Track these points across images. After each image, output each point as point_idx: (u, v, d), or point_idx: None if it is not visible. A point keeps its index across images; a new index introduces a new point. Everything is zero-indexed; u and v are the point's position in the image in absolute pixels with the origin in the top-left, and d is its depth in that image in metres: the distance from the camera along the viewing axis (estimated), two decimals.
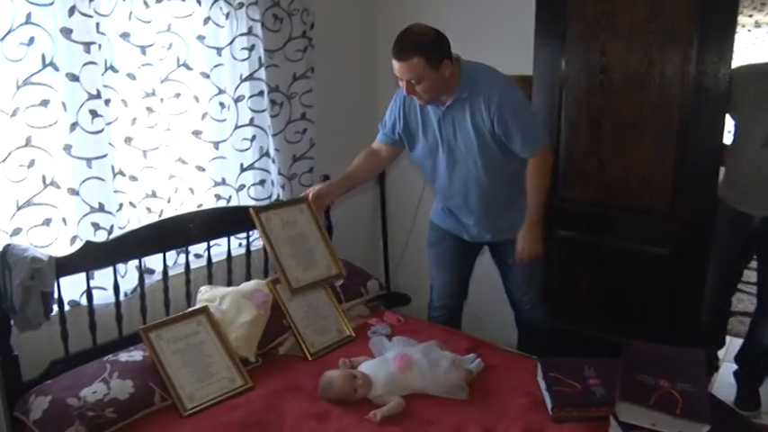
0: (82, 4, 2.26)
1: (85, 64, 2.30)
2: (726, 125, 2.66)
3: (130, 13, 2.47)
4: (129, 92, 2.51)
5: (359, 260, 3.24)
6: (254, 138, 3.01)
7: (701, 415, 1.85)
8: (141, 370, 2.19)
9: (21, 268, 2.07)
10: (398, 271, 3.91)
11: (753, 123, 2.69)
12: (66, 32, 2.24)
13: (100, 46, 2.34)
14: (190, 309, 2.47)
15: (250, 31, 2.87)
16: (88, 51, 2.30)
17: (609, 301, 3.01)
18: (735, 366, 3.14)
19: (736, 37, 2.55)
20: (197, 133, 2.81)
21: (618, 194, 2.87)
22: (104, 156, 2.41)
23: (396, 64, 2.33)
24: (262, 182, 3.10)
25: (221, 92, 2.85)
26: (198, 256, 2.83)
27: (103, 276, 2.47)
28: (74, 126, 2.32)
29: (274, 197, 3.12)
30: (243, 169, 3.02)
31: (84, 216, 2.41)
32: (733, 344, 3.44)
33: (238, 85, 2.90)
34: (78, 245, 2.36)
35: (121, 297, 2.50)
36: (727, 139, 2.77)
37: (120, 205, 2.51)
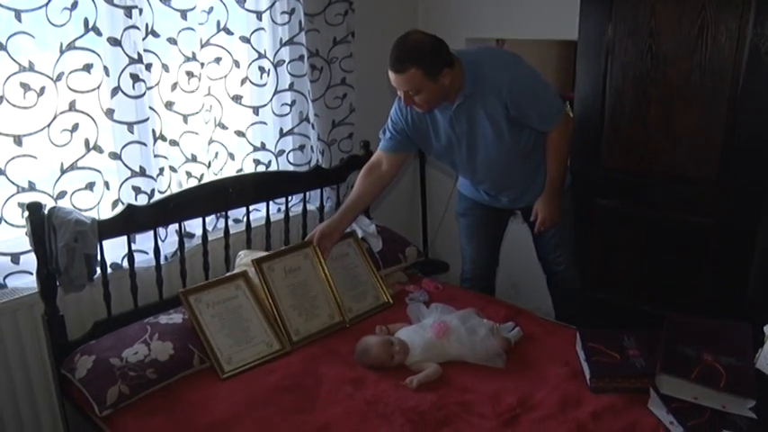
0: None
1: (127, 28, 2.31)
2: None
3: None
4: (169, 56, 2.52)
5: (398, 227, 3.23)
6: (293, 103, 3.00)
7: (746, 389, 1.81)
8: (181, 332, 2.23)
9: (65, 231, 2.11)
10: (437, 239, 3.89)
11: None
12: None
13: (141, 10, 2.34)
14: (229, 273, 2.50)
15: None
16: (129, 16, 2.30)
17: (650, 272, 2.95)
18: None
19: None
20: (237, 98, 2.81)
21: (663, 163, 2.79)
22: (145, 120, 2.43)
23: (392, 75, 2.23)
24: (301, 147, 3.10)
25: (261, 56, 2.84)
26: (237, 221, 2.85)
27: (144, 240, 2.52)
28: (115, 91, 2.34)
29: (313, 163, 3.12)
30: (282, 134, 3.02)
31: (126, 180, 2.44)
32: None
33: (278, 50, 2.89)
34: (120, 209, 2.39)
35: (162, 260, 2.54)
36: None
37: (161, 170, 2.54)
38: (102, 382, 2.01)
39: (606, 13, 2.76)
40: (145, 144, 2.45)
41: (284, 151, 3.05)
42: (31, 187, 2.22)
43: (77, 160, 2.32)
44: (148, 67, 2.42)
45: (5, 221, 2.21)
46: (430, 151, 2.63)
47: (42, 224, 2.11)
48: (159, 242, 2.50)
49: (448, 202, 3.34)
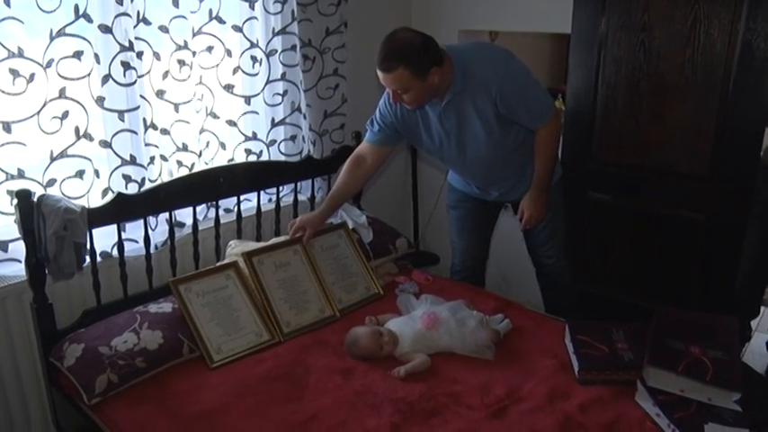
0: None
1: (118, 15, 2.28)
2: None
3: None
4: (161, 44, 2.50)
5: (389, 218, 3.23)
6: (285, 93, 2.99)
7: (732, 383, 1.82)
8: (170, 321, 2.23)
9: (54, 219, 2.10)
10: (427, 231, 3.90)
11: None
12: None
13: None
14: (219, 263, 2.49)
15: None
16: (120, 3, 2.28)
17: (640, 266, 2.96)
18: None
19: None
20: (229, 87, 2.80)
21: (654, 157, 2.80)
22: (136, 108, 2.41)
23: (380, 74, 2.21)
24: (293, 137, 3.09)
25: (253, 45, 2.82)
26: (228, 210, 2.84)
27: (134, 228, 2.51)
28: (106, 78, 2.32)
29: (305, 153, 3.11)
30: (274, 124, 3.01)
31: (116, 168, 2.43)
32: (767, 314, 3.38)
33: (270, 39, 2.87)
34: (110, 197, 2.38)
35: (152, 249, 2.53)
36: None
37: (152, 158, 2.53)
38: (90, 371, 2.00)
39: (599, 6, 2.76)
40: (135, 132, 2.43)
41: (276, 141, 3.04)
42: (21, 175, 2.21)
43: (67, 148, 2.30)
44: (139, 54, 2.40)
45: None
46: (420, 146, 2.62)
47: (31, 212, 2.10)
48: (149, 231, 2.49)
49: (439, 195, 3.34)
